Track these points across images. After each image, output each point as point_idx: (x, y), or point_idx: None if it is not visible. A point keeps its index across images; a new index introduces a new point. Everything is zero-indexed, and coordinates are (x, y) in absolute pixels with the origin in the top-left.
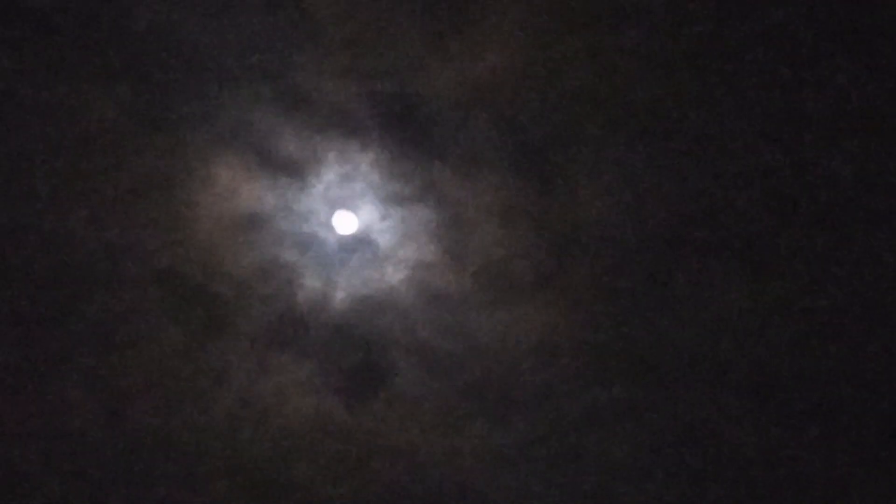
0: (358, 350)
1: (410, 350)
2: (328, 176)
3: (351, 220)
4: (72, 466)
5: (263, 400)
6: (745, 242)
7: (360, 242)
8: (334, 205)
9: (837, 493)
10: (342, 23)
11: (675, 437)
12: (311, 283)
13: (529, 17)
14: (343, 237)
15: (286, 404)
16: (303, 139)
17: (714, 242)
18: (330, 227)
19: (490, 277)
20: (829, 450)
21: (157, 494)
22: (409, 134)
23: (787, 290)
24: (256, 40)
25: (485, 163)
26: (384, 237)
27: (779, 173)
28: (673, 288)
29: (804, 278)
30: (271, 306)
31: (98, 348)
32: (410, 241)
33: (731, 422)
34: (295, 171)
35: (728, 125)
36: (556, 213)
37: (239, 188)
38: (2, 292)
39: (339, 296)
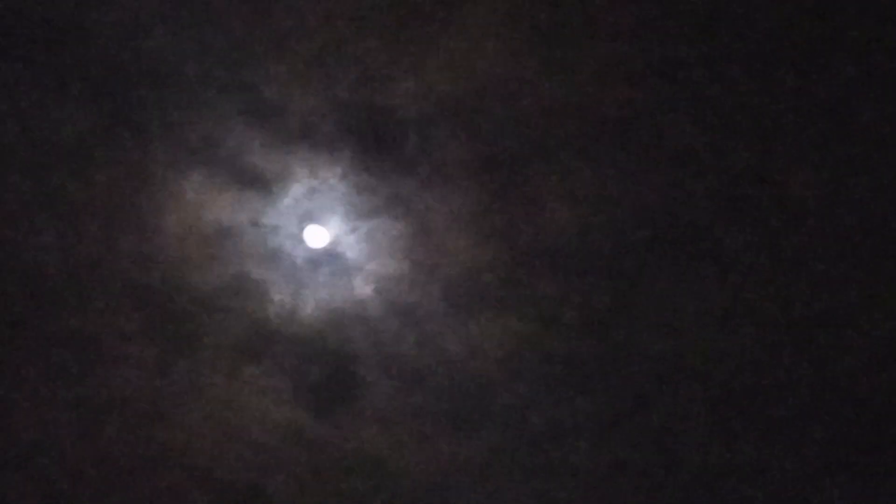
0: (328, 363)
1: (380, 363)
2: (297, 189)
3: (320, 234)
4: (45, 485)
5: (235, 414)
6: (717, 252)
7: (328, 256)
8: (303, 218)
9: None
10: (309, 36)
11: (646, 448)
12: (280, 296)
13: (498, 30)
14: (312, 251)
15: (258, 418)
16: (271, 153)
17: (684, 252)
18: (299, 241)
19: (459, 289)
20: (801, 459)
21: None
22: (377, 147)
23: (760, 299)
24: (224, 54)
25: (453, 175)
26: (353, 250)
27: (750, 181)
28: (643, 298)
29: (778, 287)
30: (241, 320)
31: (67, 365)
32: (379, 254)
33: (704, 432)
34: (263, 184)
35: (697, 135)
36: (524, 224)
37: (207, 202)
38: None
39: (309, 309)
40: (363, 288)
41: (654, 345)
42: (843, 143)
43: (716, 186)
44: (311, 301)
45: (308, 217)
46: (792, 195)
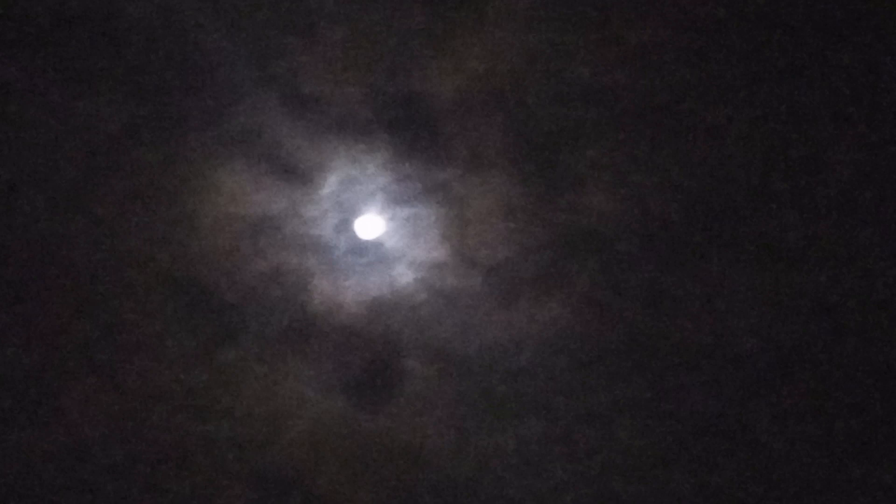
0: (370, 352)
1: (422, 351)
2: (335, 179)
3: (359, 223)
4: (83, 479)
5: (278, 404)
6: (754, 235)
7: (368, 244)
8: (342, 208)
9: (854, 484)
10: (345, 25)
11: (686, 431)
12: (321, 286)
13: (534, 14)
14: (351, 240)
15: (300, 407)
16: (309, 143)
17: (722, 236)
18: (338, 230)
19: (499, 276)
20: (837, 444)
21: (172, 502)
22: (415, 135)
23: (796, 283)
24: (261, 46)
25: (491, 161)
26: (393, 239)
27: (787, 165)
28: (681, 282)
29: (813, 270)
30: (283, 310)
31: (109, 358)
32: (419, 242)
33: (744, 417)
34: (302, 175)
35: (736, 118)
36: (563, 209)
37: (247, 194)
38: (11, 303)
39: (350, 298)
40: (404, 276)
41: (694, 329)
42: (889, 124)
43: (758, 169)
44: (353, 290)
45: (347, 206)
46: (834, 178)
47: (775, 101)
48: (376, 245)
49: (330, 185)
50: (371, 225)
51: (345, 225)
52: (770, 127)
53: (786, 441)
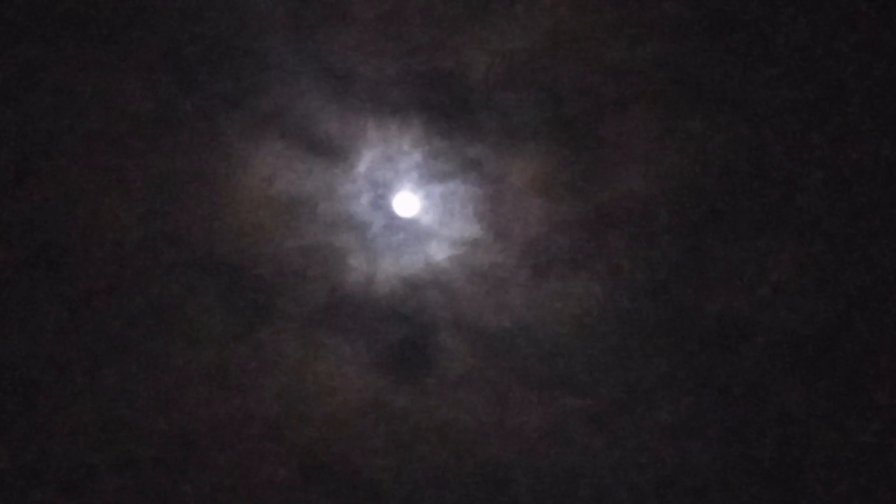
0: (405, 330)
1: (457, 328)
2: (368, 156)
3: (393, 201)
4: (123, 455)
5: (312, 382)
6: (789, 210)
7: (403, 222)
8: (376, 185)
9: (888, 459)
10: (379, 4)
11: (725, 407)
12: (355, 264)
13: None
14: (386, 217)
15: (335, 386)
16: (342, 121)
17: (761, 210)
18: (373, 208)
19: (534, 252)
20: (889, 420)
21: (209, 480)
22: (448, 112)
23: (831, 258)
24: (292, 23)
25: (524, 138)
26: (427, 216)
27: (821, 139)
28: (719, 257)
29: (847, 245)
30: (317, 289)
31: (145, 337)
32: (454, 218)
33: (779, 387)
34: (335, 152)
35: (770, 94)
36: (597, 185)
37: (281, 172)
38: (45, 284)
39: (385, 276)
40: (438, 253)
41: (733, 305)
42: None
43: (795, 145)
44: (387, 268)
45: (380, 183)
46: (871, 152)
47: (812, 73)
48: (411, 222)
49: (364, 162)
50: (405, 202)
51: (379, 202)
52: (808, 99)
53: (827, 420)
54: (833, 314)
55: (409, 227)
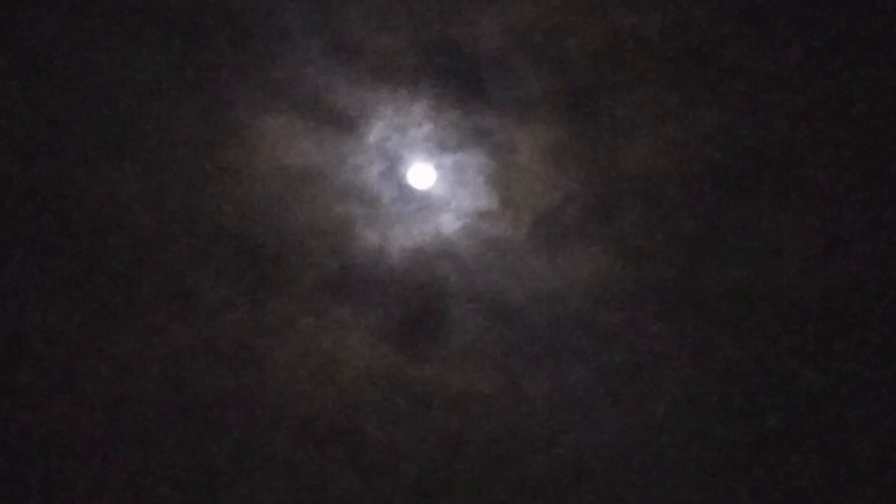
0: (416, 301)
1: (468, 299)
2: (380, 128)
3: (404, 171)
4: (130, 426)
5: (325, 353)
6: (802, 178)
7: (414, 193)
8: (387, 156)
9: None
10: None
11: (737, 378)
12: (366, 235)
13: None
14: (396, 188)
15: (347, 357)
16: (353, 92)
17: (773, 179)
18: (383, 179)
19: (545, 223)
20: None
21: (220, 451)
22: (459, 83)
23: (845, 227)
24: None
25: (536, 108)
26: (438, 187)
27: (832, 107)
28: (731, 227)
29: (862, 215)
30: (327, 260)
31: (155, 308)
32: (464, 189)
33: (793, 357)
34: (346, 123)
35: (780, 62)
36: (609, 155)
37: (290, 143)
38: (55, 255)
39: (396, 247)
40: (450, 224)
41: (745, 275)
42: None
43: (808, 113)
44: (398, 238)
45: (391, 154)
46: (884, 121)
47: (826, 44)
48: (422, 193)
49: (374, 133)
50: (416, 173)
51: (390, 173)
52: (821, 69)
53: (841, 388)
54: (844, 285)
55: (419, 198)
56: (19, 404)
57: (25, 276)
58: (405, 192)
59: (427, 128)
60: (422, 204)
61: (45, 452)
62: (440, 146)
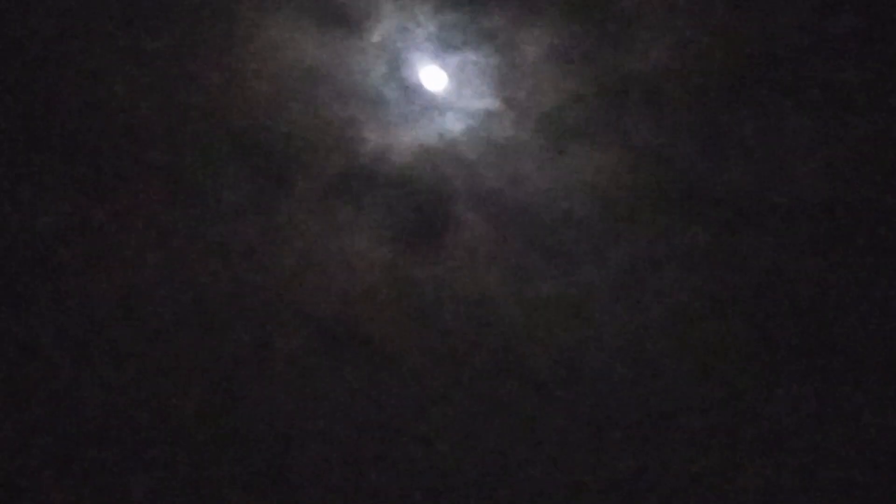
0: (421, 202)
1: (473, 199)
2: (385, 27)
3: (408, 72)
4: (138, 326)
5: (330, 254)
6: (814, 83)
7: (418, 93)
8: (391, 57)
9: None
10: None
11: (744, 282)
12: (371, 136)
13: None
14: (401, 89)
15: (353, 258)
16: None
17: (781, 84)
18: (387, 79)
19: (550, 124)
20: None
21: (226, 350)
22: None
23: (859, 131)
24: None
25: (540, 8)
26: (442, 87)
27: (849, 11)
28: (737, 128)
29: (877, 119)
30: (332, 161)
31: (158, 209)
32: (469, 90)
33: (803, 264)
34: (350, 24)
35: None
36: (614, 55)
37: (294, 43)
38: (66, 158)
39: (401, 148)
40: (453, 125)
41: (751, 177)
42: None
43: (809, 18)
44: (403, 139)
45: (397, 55)
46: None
47: None
48: (426, 94)
49: (379, 33)
50: (420, 74)
51: (394, 74)
52: None
53: (848, 296)
54: (849, 186)
55: (423, 99)
56: (27, 303)
57: (31, 181)
58: (410, 93)
59: (431, 27)
60: (425, 104)
61: (54, 350)
62: (444, 46)
